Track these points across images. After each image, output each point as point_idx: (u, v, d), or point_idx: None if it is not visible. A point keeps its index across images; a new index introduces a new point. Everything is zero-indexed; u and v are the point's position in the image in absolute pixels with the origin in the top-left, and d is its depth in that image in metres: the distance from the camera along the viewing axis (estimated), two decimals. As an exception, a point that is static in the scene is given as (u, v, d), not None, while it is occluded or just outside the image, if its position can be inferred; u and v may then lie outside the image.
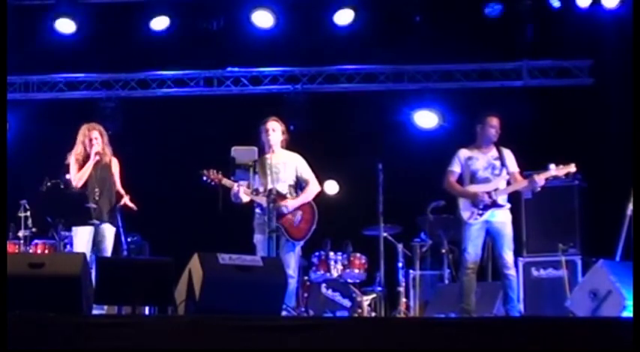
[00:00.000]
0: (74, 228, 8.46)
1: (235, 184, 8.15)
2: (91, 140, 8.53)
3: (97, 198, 8.36)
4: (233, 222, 8.67)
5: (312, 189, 8.43)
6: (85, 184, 8.44)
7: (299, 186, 8.44)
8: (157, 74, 11.78)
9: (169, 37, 10.97)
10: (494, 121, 8.38)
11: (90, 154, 8.50)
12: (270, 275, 6.54)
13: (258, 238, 8.20)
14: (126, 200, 8.59)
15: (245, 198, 8.21)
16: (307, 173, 8.43)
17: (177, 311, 6.34)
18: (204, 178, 8.23)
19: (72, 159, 8.58)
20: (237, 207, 8.29)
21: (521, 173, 8.42)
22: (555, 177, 8.41)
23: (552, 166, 8.28)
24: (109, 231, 8.46)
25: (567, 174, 8.44)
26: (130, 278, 6.37)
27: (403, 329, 5.70)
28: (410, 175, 10.42)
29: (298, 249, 8.37)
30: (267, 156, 8.36)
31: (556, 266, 9.25)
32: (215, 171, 8.21)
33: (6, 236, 9.32)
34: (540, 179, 8.26)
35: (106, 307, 7.45)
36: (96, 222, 8.33)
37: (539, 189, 8.40)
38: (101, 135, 8.61)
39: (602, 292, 7.27)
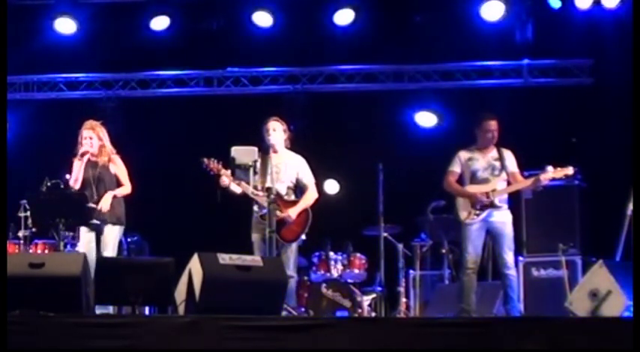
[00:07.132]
0: (81, 229, 8.38)
1: (229, 179, 8.12)
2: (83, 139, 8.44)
3: (95, 198, 8.28)
4: (233, 222, 8.67)
5: (311, 195, 8.41)
6: (84, 185, 8.37)
7: (298, 188, 8.43)
8: (156, 74, 11.77)
9: (169, 37, 10.97)
10: (490, 125, 8.34)
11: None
12: (270, 275, 6.55)
13: (254, 237, 8.20)
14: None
15: (236, 190, 8.17)
16: (308, 178, 8.41)
17: (178, 311, 6.35)
18: (204, 166, 8.20)
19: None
20: (236, 205, 8.28)
21: (521, 173, 8.42)
22: (553, 179, 8.42)
23: (550, 168, 8.27)
24: (110, 231, 8.28)
25: (565, 176, 8.46)
26: (130, 278, 6.38)
27: (403, 329, 5.70)
28: (410, 175, 10.41)
29: (295, 248, 8.33)
30: (269, 155, 8.35)
31: (556, 266, 9.23)
32: (215, 161, 8.18)
33: (6, 236, 9.31)
34: (546, 179, 8.25)
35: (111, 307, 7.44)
36: (96, 222, 8.28)
37: (540, 188, 8.42)
38: (97, 133, 8.41)
39: (602, 292, 7.26)
